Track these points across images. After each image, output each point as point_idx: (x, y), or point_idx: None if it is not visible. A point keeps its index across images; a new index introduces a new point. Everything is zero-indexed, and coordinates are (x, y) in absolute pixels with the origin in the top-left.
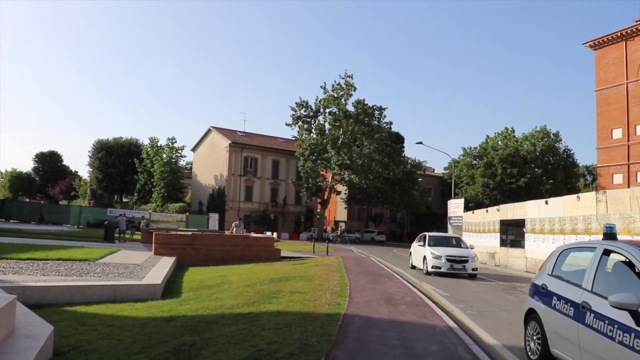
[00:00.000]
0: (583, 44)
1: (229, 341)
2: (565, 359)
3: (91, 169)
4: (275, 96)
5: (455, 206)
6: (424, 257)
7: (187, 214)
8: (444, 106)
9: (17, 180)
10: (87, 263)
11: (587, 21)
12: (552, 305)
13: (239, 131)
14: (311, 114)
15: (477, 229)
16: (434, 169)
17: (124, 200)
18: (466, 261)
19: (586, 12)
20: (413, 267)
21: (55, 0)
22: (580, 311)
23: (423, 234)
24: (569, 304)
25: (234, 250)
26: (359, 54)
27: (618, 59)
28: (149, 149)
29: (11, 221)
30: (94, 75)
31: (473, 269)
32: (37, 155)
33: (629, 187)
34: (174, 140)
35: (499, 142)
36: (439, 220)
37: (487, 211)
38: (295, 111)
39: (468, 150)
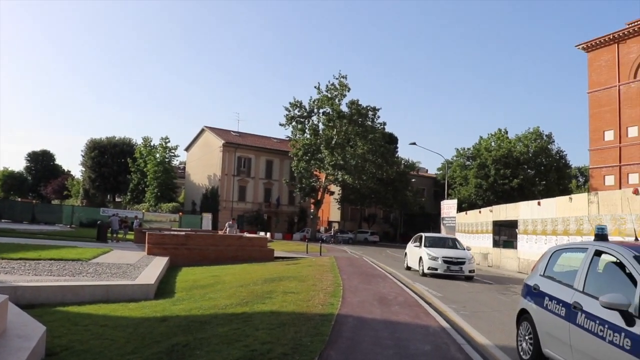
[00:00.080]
0: (576, 46)
1: (222, 341)
2: (557, 359)
3: (84, 169)
4: (269, 96)
5: (448, 207)
6: (420, 258)
7: (181, 213)
8: (437, 107)
9: (9, 180)
10: (80, 263)
11: (581, 23)
12: (544, 305)
13: (232, 131)
14: (305, 114)
15: (470, 230)
16: (427, 170)
17: (117, 199)
18: (463, 263)
19: (579, 14)
20: (408, 268)
21: None
22: (571, 311)
23: (419, 234)
24: (560, 305)
25: (227, 251)
26: (353, 55)
27: (610, 62)
28: (142, 148)
29: (3, 221)
30: (86, 74)
31: (470, 271)
32: (29, 155)
33: (620, 188)
34: (167, 140)
35: (492, 143)
36: (432, 220)
37: (480, 212)
38: (289, 111)
39: (461, 151)
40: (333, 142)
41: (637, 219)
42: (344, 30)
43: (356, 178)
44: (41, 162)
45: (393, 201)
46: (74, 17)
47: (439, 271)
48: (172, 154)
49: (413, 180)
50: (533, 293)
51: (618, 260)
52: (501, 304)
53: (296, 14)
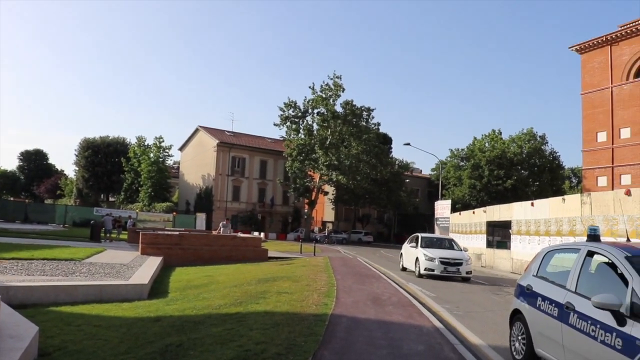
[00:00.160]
0: (569, 47)
1: (216, 341)
2: (550, 359)
3: (77, 168)
4: (263, 96)
5: (442, 207)
6: (417, 259)
7: (174, 213)
8: (432, 108)
9: (2, 179)
10: (73, 263)
11: (574, 25)
12: (537, 305)
13: (227, 131)
14: (299, 114)
15: (463, 230)
16: (421, 170)
17: (111, 199)
18: (460, 264)
19: (573, 16)
20: (404, 269)
21: None
22: (564, 311)
23: (415, 234)
24: (553, 305)
25: (221, 251)
26: (348, 55)
27: (603, 63)
28: (136, 148)
29: None
30: (80, 73)
31: (467, 272)
32: (22, 154)
33: (612, 189)
34: (161, 140)
35: (486, 144)
36: (426, 221)
37: (473, 212)
38: (284, 111)
39: (455, 152)
40: (327, 142)
41: (629, 219)
42: (339, 31)
43: (350, 178)
44: (34, 161)
45: (387, 201)
46: (68, 15)
47: (435, 272)
48: (166, 154)
49: (407, 180)
50: (526, 293)
51: (610, 261)
52: (494, 304)
53: (291, 14)
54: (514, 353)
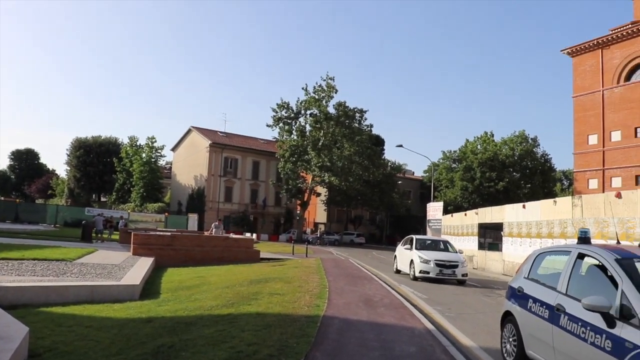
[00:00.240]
0: (561, 50)
1: (208, 342)
2: None
3: (69, 168)
4: (256, 97)
5: (434, 209)
6: (411, 261)
7: (166, 214)
8: (424, 110)
9: None
10: (64, 263)
11: (566, 28)
12: (528, 307)
13: (219, 131)
14: (292, 115)
15: (455, 232)
16: (413, 172)
17: (102, 199)
18: (456, 266)
19: (565, 19)
20: (398, 271)
21: None
22: (554, 313)
23: (409, 236)
24: (544, 307)
25: (213, 251)
26: (341, 56)
27: (594, 67)
28: (128, 148)
29: None
30: (72, 72)
31: (463, 275)
32: (13, 153)
33: (603, 192)
34: (153, 140)
35: (478, 146)
36: (418, 223)
37: (465, 214)
38: (276, 112)
39: (447, 154)
40: (320, 143)
41: (619, 222)
42: (332, 32)
43: (343, 180)
44: (25, 160)
45: (379, 203)
46: (61, 14)
47: (431, 275)
48: (159, 154)
49: (399, 182)
50: (517, 295)
51: (600, 263)
52: (486, 306)
53: (285, 15)
54: (505, 355)
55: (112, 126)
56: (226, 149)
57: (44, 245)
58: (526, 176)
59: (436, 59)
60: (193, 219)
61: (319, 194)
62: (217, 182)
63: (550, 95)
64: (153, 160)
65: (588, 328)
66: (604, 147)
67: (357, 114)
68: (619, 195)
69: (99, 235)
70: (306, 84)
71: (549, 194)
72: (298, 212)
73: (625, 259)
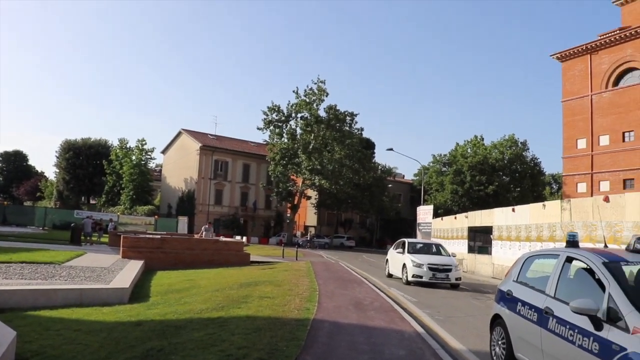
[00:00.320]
0: (551, 55)
1: (197, 346)
2: None
3: (58, 170)
4: (247, 100)
5: (424, 212)
6: (404, 265)
7: (156, 216)
8: (415, 113)
9: None
10: (53, 266)
11: (556, 33)
12: (517, 310)
13: (210, 134)
14: (283, 118)
15: (445, 236)
16: (404, 176)
17: (92, 202)
18: (449, 270)
19: (555, 24)
20: (390, 275)
21: None
22: (543, 316)
23: (401, 239)
24: (532, 310)
25: (203, 254)
26: (332, 60)
27: (583, 72)
28: (118, 150)
29: None
30: (61, 73)
31: (456, 279)
32: (1, 155)
33: (592, 195)
34: (143, 142)
35: (469, 150)
36: (409, 226)
37: (455, 218)
38: (267, 115)
39: (438, 158)
40: (310, 146)
41: (607, 225)
42: (323, 35)
43: (333, 183)
44: (13, 162)
45: (369, 206)
46: (49, 15)
47: (424, 279)
48: (149, 157)
49: (390, 185)
50: (506, 298)
51: (588, 267)
52: (475, 309)
53: (275, 18)
54: (494, 357)
55: (102, 128)
56: (217, 151)
57: (32, 248)
58: (516, 180)
59: (427, 62)
60: (183, 221)
61: (309, 197)
62: (207, 184)
63: (539, 99)
64: (143, 162)
65: (576, 331)
66: (592, 151)
67: (348, 118)
68: (607, 199)
69: (88, 238)
70: (297, 87)
71: (539, 197)
72: (288, 215)
73: (612, 263)
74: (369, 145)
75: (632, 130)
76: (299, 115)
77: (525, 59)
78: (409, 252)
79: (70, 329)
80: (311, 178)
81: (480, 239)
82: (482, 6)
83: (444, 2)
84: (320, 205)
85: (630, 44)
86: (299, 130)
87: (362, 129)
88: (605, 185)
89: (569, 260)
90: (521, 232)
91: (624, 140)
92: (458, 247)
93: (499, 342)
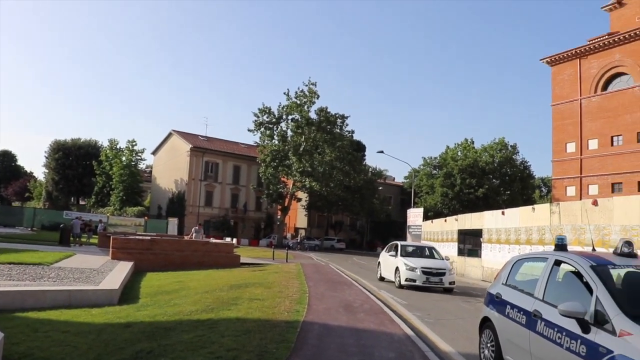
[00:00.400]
0: (540, 59)
1: (187, 348)
2: None
3: (47, 170)
4: (238, 101)
5: (414, 215)
6: (397, 269)
7: (146, 218)
8: (405, 116)
9: None
10: (41, 267)
11: (546, 38)
12: (506, 313)
13: (200, 135)
14: (274, 120)
15: (435, 238)
16: (394, 178)
17: (81, 203)
18: (443, 274)
19: (545, 28)
20: (382, 279)
21: None
22: (531, 319)
23: (394, 242)
24: (521, 313)
25: (193, 256)
26: (323, 62)
27: (573, 76)
28: (108, 151)
29: None
30: (51, 73)
31: (450, 283)
32: None
33: (581, 199)
34: (134, 143)
35: (459, 153)
36: (399, 228)
37: (445, 221)
38: (258, 117)
39: (428, 160)
40: (301, 148)
41: (596, 229)
42: (314, 38)
43: (323, 185)
44: (2, 162)
45: (360, 209)
46: (38, 15)
47: (417, 283)
48: (139, 158)
49: (380, 188)
50: (495, 301)
51: (576, 270)
52: (464, 311)
53: (267, 20)
54: None
55: (92, 129)
56: (207, 153)
57: (20, 249)
58: (506, 183)
59: (418, 65)
60: (173, 223)
61: (299, 199)
62: (197, 186)
63: (529, 103)
64: (133, 163)
65: (564, 333)
66: (581, 155)
67: (339, 120)
68: (595, 203)
69: (77, 239)
70: (288, 89)
71: (528, 200)
72: (279, 217)
73: (600, 266)
74: (360, 148)
75: (621, 135)
76: (290, 117)
77: (515, 63)
78: (402, 255)
79: (58, 330)
80: (302, 180)
81: (470, 242)
82: (473, 10)
83: (434, 6)
84: (311, 207)
85: (619, 49)
86: (289, 132)
87: (352, 132)
88: (594, 189)
89: (558, 263)
90: (511, 235)
91: (612, 145)
92: (448, 250)
93: (488, 345)
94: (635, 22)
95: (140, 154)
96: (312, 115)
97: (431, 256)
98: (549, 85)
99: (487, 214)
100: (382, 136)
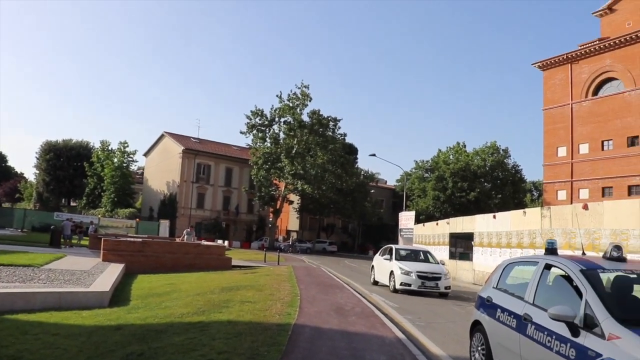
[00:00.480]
0: (532, 64)
1: (178, 350)
2: None
3: (38, 171)
4: (230, 103)
5: (406, 218)
6: (391, 273)
7: (137, 220)
8: (397, 119)
9: None
10: (31, 269)
11: (538, 43)
12: (497, 317)
13: (192, 137)
14: (266, 122)
15: (427, 242)
16: (386, 181)
17: (72, 204)
18: (439, 278)
19: (537, 33)
20: (375, 282)
21: None
22: (522, 323)
23: (389, 246)
24: (512, 316)
25: (185, 258)
26: (316, 65)
27: (564, 80)
28: (99, 152)
29: None
30: (42, 73)
31: (446, 287)
32: None
33: (571, 203)
34: (125, 145)
35: (451, 156)
36: (390, 232)
37: (437, 224)
38: (250, 119)
39: (420, 164)
40: (293, 151)
41: (586, 233)
42: (307, 40)
43: (315, 188)
44: None
45: (352, 211)
46: (29, 14)
47: (412, 287)
48: (131, 159)
49: (372, 191)
50: (486, 305)
51: (566, 274)
52: (456, 315)
53: (260, 22)
54: None
55: (84, 130)
56: (199, 155)
57: (10, 250)
58: (497, 187)
59: (410, 69)
60: (164, 225)
61: (291, 202)
62: (189, 188)
63: (521, 107)
64: (125, 165)
65: (553, 337)
66: (572, 159)
67: (331, 123)
68: (585, 207)
69: (67, 240)
70: (280, 92)
71: (519, 204)
72: (270, 219)
73: (589, 270)
74: (352, 151)
75: (611, 139)
76: (282, 119)
77: (507, 68)
78: (396, 258)
79: (48, 333)
80: (294, 183)
81: (461, 245)
82: (465, 15)
83: (426, 9)
84: (303, 210)
85: (609, 55)
86: (282, 135)
87: (345, 134)
88: (584, 193)
89: (548, 267)
90: (502, 239)
91: (603, 149)
92: (439, 253)
93: (479, 348)
94: (626, 27)
95: (132, 156)
96: (305, 117)
97: (426, 260)
98: (541, 89)
99: (479, 218)
100: (375, 139)
